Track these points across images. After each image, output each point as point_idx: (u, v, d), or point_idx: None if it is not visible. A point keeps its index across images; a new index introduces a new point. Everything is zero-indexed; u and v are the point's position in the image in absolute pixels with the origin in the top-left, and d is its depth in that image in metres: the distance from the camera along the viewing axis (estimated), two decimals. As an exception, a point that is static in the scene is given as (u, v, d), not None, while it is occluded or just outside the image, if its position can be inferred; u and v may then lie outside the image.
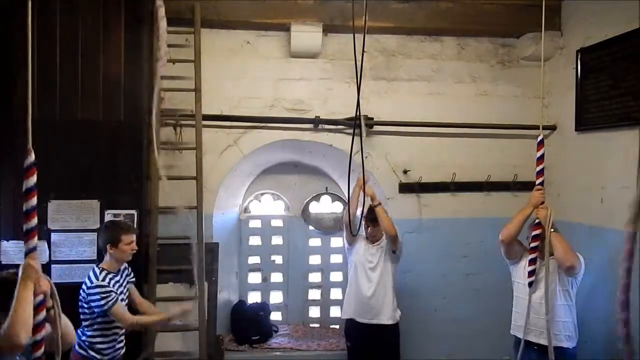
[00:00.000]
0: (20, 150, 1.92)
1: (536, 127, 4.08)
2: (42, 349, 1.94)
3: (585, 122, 3.80)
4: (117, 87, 3.58)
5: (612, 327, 3.45)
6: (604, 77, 3.59)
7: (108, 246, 2.89)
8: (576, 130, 3.89)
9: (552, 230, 2.85)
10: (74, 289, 2.84)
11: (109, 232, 2.94)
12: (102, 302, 2.76)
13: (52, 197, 3.46)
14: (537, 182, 2.89)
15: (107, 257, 2.92)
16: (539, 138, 2.83)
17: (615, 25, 3.45)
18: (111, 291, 2.80)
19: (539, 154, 2.83)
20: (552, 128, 4.20)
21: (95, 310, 2.79)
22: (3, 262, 3.37)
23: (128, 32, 3.59)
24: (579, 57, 3.84)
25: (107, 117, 3.57)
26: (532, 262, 2.92)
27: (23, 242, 1.87)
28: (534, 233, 2.89)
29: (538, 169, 2.86)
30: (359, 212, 3.66)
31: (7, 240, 3.41)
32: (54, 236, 3.46)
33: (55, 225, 3.47)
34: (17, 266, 1.94)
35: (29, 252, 1.88)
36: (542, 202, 2.89)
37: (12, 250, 3.39)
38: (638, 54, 3.28)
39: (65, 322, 2.12)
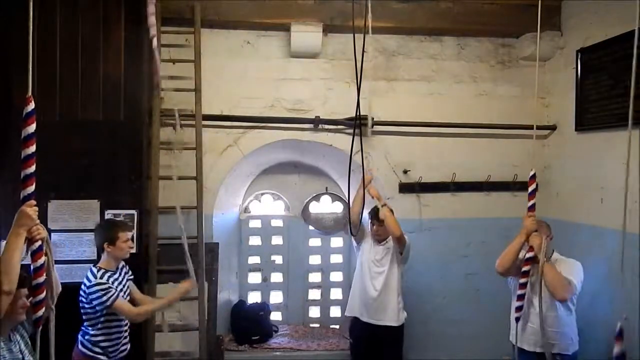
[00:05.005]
0: (19, 151, 1.93)
1: (537, 127, 4.10)
2: (44, 293, 1.98)
3: (585, 122, 3.80)
4: (117, 87, 3.58)
5: (613, 328, 3.45)
6: (604, 77, 3.59)
7: (105, 244, 2.89)
8: (576, 130, 3.89)
9: (545, 259, 2.81)
10: (74, 289, 2.84)
11: (106, 231, 2.94)
12: (104, 298, 2.75)
13: (52, 197, 3.46)
14: (529, 204, 2.84)
15: (104, 256, 2.91)
16: (531, 173, 2.81)
17: (615, 25, 3.44)
18: (110, 287, 2.80)
19: (530, 188, 2.81)
20: (552, 128, 4.20)
21: (98, 307, 2.78)
22: (3, 262, 3.36)
23: (128, 32, 3.59)
24: (579, 57, 3.83)
25: (107, 117, 3.57)
26: (523, 286, 2.87)
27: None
28: (527, 256, 2.85)
29: (530, 203, 2.84)
30: (359, 211, 3.65)
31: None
32: (54, 236, 3.45)
33: (55, 225, 3.47)
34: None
35: (25, 199, 1.91)
36: (536, 230, 2.87)
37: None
38: (638, 54, 3.27)
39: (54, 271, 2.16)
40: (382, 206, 3.43)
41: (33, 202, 1.92)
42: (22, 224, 1.89)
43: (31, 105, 1.91)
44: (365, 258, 3.59)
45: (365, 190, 3.30)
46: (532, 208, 2.84)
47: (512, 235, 2.98)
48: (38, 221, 1.95)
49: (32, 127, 1.91)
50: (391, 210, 3.48)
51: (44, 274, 1.98)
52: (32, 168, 1.91)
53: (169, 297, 3.06)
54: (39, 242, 1.95)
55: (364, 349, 3.60)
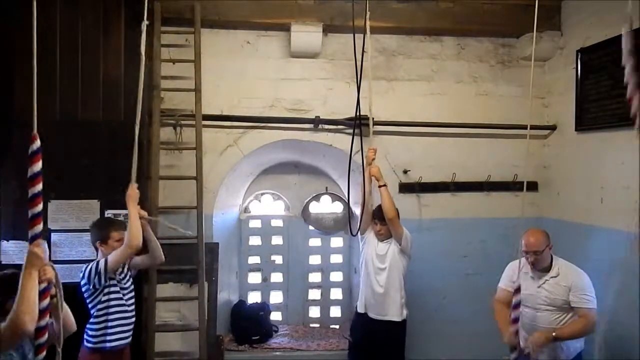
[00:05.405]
0: (20, 150, 1.93)
1: (537, 127, 4.13)
2: (46, 336, 1.97)
3: (585, 122, 3.80)
4: (117, 87, 3.58)
5: (613, 326, 3.45)
6: (604, 77, 3.59)
7: (98, 243, 2.88)
8: (576, 130, 3.89)
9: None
10: (74, 289, 2.83)
11: (98, 229, 2.93)
12: (97, 266, 2.75)
13: (52, 197, 3.46)
14: (512, 317, 2.66)
15: (99, 255, 2.91)
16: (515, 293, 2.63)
17: (615, 25, 3.44)
18: (95, 260, 2.80)
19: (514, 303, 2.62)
20: (552, 128, 4.20)
21: (102, 277, 2.76)
22: (3, 262, 3.37)
23: (128, 32, 3.59)
24: (579, 57, 3.83)
25: (107, 117, 3.57)
26: (516, 321, 2.72)
27: (23, 240, 1.89)
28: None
29: (513, 316, 2.65)
30: (358, 212, 3.64)
31: (7, 240, 3.41)
32: (54, 236, 3.46)
33: (55, 225, 3.47)
34: (17, 266, 1.95)
35: (33, 239, 1.90)
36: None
37: (12, 250, 3.39)
38: (638, 54, 3.27)
39: (67, 310, 2.18)
40: (381, 186, 3.42)
41: (40, 241, 1.94)
42: (33, 264, 1.92)
43: (37, 143, 1.88)
44: (369, 253, 3.58)
45: (366, 170, 3.33)
46: (515, 321, 2.65)
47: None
48: (47, 260, 1.97)
49: (38, 166, 1.88)
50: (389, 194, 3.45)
51: (47, 316, 1.98)
52: (40, 207, 1.89)
53: (130, 211, 2.81)
54: (45, 284, 1.96)
55: (366, 344, 3.59)
